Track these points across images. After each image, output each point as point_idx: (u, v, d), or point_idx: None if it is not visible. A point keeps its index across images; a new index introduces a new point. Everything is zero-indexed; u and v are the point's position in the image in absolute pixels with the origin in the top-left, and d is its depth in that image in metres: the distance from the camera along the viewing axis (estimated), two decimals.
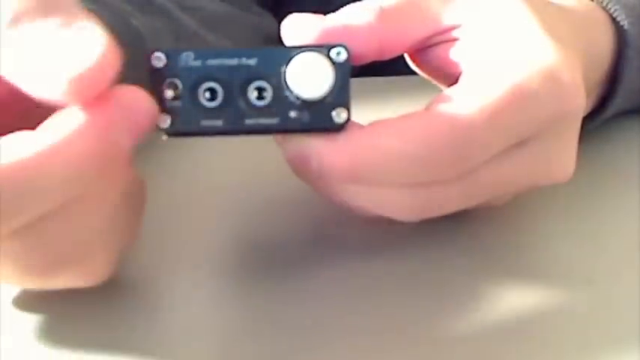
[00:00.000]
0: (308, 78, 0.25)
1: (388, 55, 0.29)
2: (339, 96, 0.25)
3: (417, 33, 0.29)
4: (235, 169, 0.36)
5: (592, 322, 0.25)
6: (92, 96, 0.22)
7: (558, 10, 0.31)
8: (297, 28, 0.27)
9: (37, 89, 0.22)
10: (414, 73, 0.32)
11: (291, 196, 0.33)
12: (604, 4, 0.36)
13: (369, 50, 0.28)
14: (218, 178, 0.36)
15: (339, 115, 0.25)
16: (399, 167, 0.25)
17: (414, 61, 0.31)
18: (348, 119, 0.25)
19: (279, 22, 0.28)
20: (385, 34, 0.28)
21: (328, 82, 0.25)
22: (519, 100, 0.25)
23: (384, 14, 0.28)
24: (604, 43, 0.35)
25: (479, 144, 0.25)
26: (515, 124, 0.26)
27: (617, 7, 0.35)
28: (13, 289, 0.26)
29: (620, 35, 0.35)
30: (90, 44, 0.22)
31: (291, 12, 0.28)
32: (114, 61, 0.22)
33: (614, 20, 0.35)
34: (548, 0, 0.32)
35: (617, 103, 0.36)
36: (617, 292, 0.27)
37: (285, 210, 0.32)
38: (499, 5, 0.28)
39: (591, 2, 0.36)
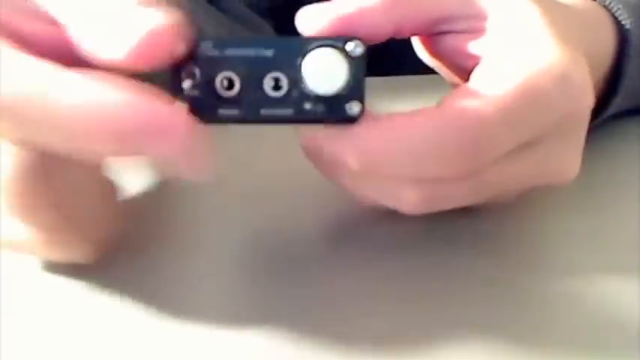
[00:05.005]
0: (322, 75, 0.25)
1: (406, 33, 0.29)
2: (354, 89, 0.25)
3: (435, 10, 0.29)
4: (250, 162, 0.36)
5: (592, 322, 0.25)
6: (151, 64, 0.22)
7: (564, 8, 0.32)
8: (310, 18, 0.27)
9: (99, 48, 0.22)
10: (420, 73, 0.32)
11: (306, 189, 0.33)
12: (606, 3, 0.36)
13: (385, 30, 0.28)
14: (237, 169, 0.35)
15: (352, 108, 0.25)
16: (408, 162, 0.25)
17: (426, 46, 0.31)
18: (362, 112, 0.25)
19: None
20: (400, 11, 0.28)
21: (342, 79, 0.25)
22: (531, 99, 0.26)
23: None
24: (605, 42, 0.35)
25: (489, 142, 0.25)
26: (527, 123, 0.26)
27: (619, 6, 0.35)
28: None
29: (622, 34, 0.35)
30: (162, 16, 0.22)
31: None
32: (178, 36, 0.22)
33: (615, 19, 0.35)
34: None
35: (618, 103, 0.36)
36: (617, 292, 0.27)
37: (298, 203, 0.32)
38: (514, 3, 0.28)
39: (593, 1, 0.36)
